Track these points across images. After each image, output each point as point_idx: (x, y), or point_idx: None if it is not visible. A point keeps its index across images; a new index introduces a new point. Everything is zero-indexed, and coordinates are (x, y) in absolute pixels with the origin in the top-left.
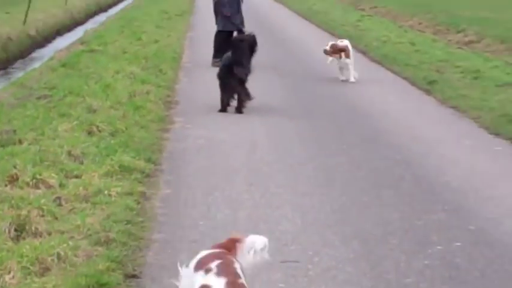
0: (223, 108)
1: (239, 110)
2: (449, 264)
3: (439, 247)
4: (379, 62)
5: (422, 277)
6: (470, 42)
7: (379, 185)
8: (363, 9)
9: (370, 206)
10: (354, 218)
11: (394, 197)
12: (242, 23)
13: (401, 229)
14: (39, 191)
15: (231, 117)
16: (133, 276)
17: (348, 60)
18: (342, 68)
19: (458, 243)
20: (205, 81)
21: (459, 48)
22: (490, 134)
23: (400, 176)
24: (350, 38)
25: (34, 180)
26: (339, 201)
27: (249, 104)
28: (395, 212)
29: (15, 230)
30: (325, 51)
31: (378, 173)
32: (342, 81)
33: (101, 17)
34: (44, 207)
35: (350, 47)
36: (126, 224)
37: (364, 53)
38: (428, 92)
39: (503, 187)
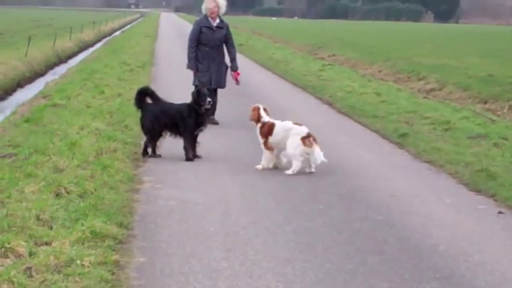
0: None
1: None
2: None
3: None
4: (346, 114)
5: None
6: (432, 90)
7: (363, 250)
8: (322, 58)
9: (357, 274)
10: None
11: (381, 263)
12: (218, 81)
13: None
14: (8, 261)
15: (201, 175)
16: None
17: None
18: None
19: None
20: (172, 138)
21: (425, 98)
22: (471, 191)
23: (384, 239)
24: (314, 89)
25: (3, 249)
26: (322, 268)
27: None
28: (384, 281)
29: None
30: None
31: (360, 236)
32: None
33: (61, 69)
34: (15, 279)
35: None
36: None
37: (330, 104)
38: (400, 145)
39: (494, 251)
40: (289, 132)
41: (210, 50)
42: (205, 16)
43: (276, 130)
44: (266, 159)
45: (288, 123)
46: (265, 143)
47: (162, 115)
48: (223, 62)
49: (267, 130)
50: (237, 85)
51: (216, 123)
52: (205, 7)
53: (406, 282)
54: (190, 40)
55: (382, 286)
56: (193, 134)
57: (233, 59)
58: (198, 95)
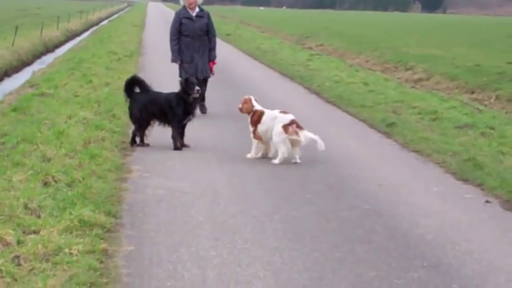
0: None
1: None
2: None
3: None
4: (334, 103)
5: None
6: (419, 79)
7: (351, 238)
8: (310, 48)
9: (345, 263)
10: (330, 277)
11: (369, 252)
12: (203, 70)
13: None
14: None
15: (190, 164)
16: None
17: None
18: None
19: None
20: (160, 127)
21: (413, 87)
22: (458, 180)
23: (371, 228)
24: (302, 78)
25: None
26: (310, 257)
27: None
28: (371, 269)
29: None
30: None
31: (348, 225)
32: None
33: (48, 58)
34: (3, 268)
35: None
36: (90, 287)
37: (317, 93)
38: (388, 135)
39: (480, 240)
40: (274, 120)
41: (192, 41)
42: (184, 7)
43: (264, 118)
44: (254, 148)
45: (274, 112)
46: (254, 132)
47: (150, 104)
48: (207, 52)
49: (257, 118)
50: (211, 75)
51: (205, 112)
52: None
53: (394, 271)
54: (172, 32)
55: (369, 275)
56: (182, 123)
57: (212, 48)
58: (186, 84)
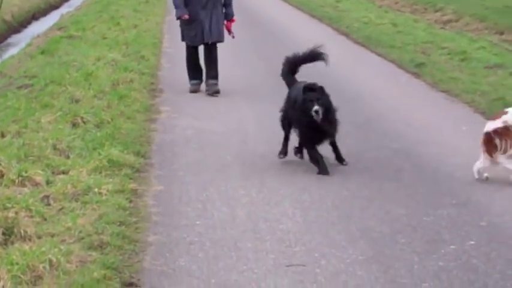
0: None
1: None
2: (466, 266)
3: (452, 246)
4: (362, 44)
5: (439, 281)
6: (449, 21)
7: (380, 177)
8: None
9: (373, 201)
10: (358, 215)
11: (397, 190)
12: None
13: (409, 226)
14: (25, 189)
15: (217, 105)
16: (131, 284)
17: None
18: None
19: (472, 242)
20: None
21: (442, 28)
22: (487, 119)
23: (400, 166)
24: (330, 20)
25: (20, 178)
26: (339, 195)
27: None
28: (400, 207)
29: (3, 233)
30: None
31: (377, 164)
32: None
33: (76, 1)
34: (32, 208)
35: None
36: (119, 226)
37: (346, 35)
38: (416, 75)
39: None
40: None
41: None
42: None
43: None
44: None
45: None
46: None
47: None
48: (219, 8)
49: None
50: (232, 38)
51: (218, 91)
52: None
53: (423, 208)
54: None
55: (398, 212)
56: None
57: (227, 4)
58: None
